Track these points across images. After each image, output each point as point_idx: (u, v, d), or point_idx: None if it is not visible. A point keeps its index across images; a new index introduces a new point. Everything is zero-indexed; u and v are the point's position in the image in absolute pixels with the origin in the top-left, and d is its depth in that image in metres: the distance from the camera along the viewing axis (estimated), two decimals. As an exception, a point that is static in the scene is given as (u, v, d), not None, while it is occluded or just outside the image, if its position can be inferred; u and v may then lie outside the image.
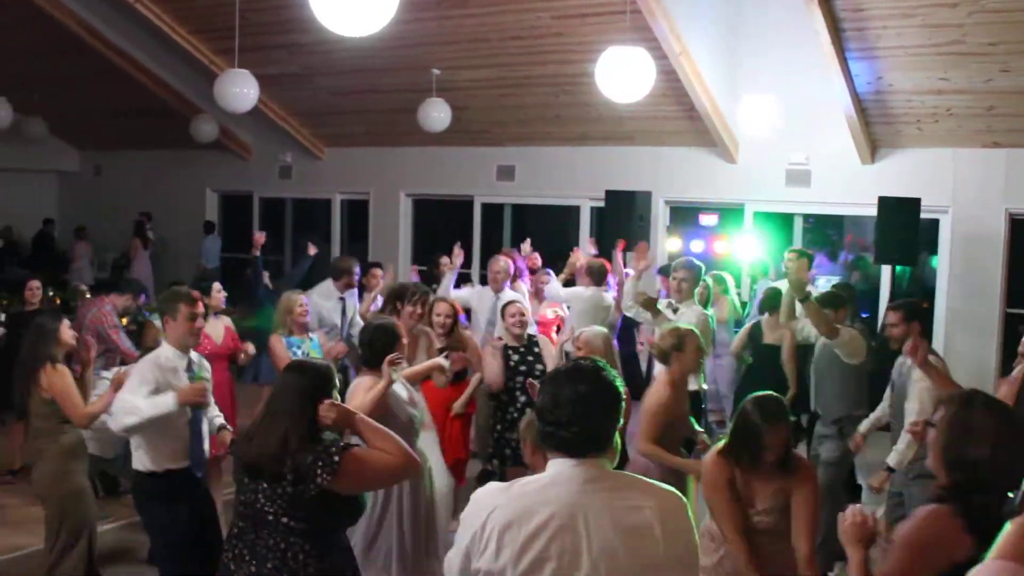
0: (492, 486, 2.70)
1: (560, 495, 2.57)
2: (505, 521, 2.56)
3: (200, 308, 5.19)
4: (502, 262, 8.75)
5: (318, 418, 3.68)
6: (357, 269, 8.96)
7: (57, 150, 17.46)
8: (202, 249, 15.85)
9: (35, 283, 8.80)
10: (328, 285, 8.82)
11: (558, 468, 2.63)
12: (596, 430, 2.63)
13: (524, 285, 9.19)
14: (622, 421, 2.73)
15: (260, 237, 9.84)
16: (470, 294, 8.94)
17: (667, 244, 11.83)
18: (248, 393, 8.05)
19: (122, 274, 13.96)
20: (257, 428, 3.71)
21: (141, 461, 4.92)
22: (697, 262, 7.50)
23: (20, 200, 17.81)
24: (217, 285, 7.47)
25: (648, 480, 2.72)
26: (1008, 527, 1.78)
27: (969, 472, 2.64)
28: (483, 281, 9.33)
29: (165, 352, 5.07)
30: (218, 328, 7.23)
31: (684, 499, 2.70)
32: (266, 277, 9.65)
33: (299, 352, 7.11)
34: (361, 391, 5.06)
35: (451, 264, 8.90)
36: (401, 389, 5.34)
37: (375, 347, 5.20)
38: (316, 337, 7.38)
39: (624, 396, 2.72)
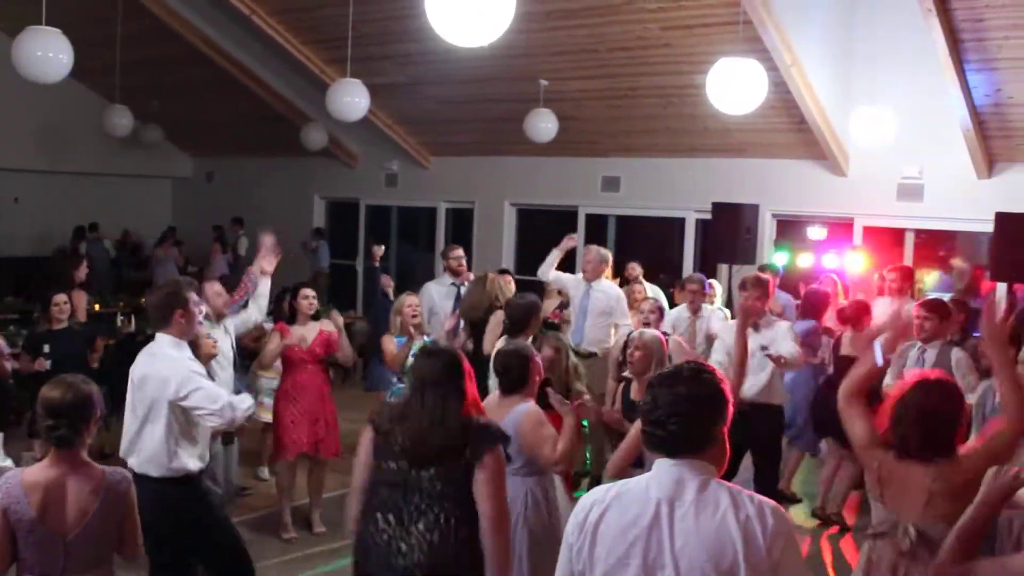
0: (597, 489, 2.84)
1: (651, 494, 2.68)
2: (599, 516, 2.71)
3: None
4: (594, 251, 8.85)
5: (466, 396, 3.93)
6: (459, 253, 9.16)
7: (172, 157, 18.00)
8: (317, 255, 16.17)
9: (61, 297, 8.00)
10: (443, 275, 9.15)
11: (656, 467, 2.73)
12: (692, 430, 2.69)
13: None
14: (723, 423, 2.76)
15: (379, 250, 10.06)
16: (569, 279, 9.03)
17: (774, 257, 11.67)
18: (356, 399, 8.20)
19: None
20: (408, 413, 3.92)
21: (186, 461, 4.75)
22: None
23: (136, 205, 18.43)
24: (305, 291, 7.43)
25: (744, 490, 2.72)
26: None
27: None
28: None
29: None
30: (311, 332, 7.32)
31: (780, 509, 2.69)
32: (386, 285, 9.78)
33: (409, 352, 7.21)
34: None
35: (563, 245, 9.15)
36: None
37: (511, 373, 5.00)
38: (429, 339, 7.36)
39: (726, 398, 2.76)
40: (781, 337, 7.01)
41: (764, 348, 6.90)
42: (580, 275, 9.00)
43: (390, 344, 7.37)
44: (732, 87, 8.25)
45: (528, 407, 4.91)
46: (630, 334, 6.70)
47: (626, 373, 6.25)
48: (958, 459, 3.79)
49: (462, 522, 3.79)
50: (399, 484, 3.84)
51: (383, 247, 10.31)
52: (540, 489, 4.95)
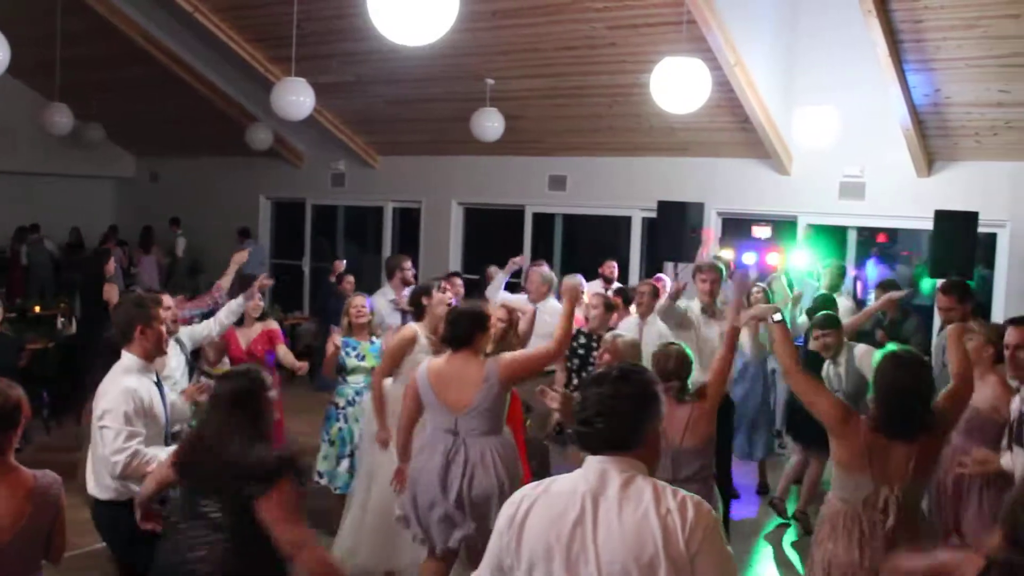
0: (529, 484, 2.92)
1: (578, 489, 2.74)
2: (527, 510, 2.78)
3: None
4: (537, 273, 8.85)
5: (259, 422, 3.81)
6: (408, 265, 9.13)
7: (114, 156, 17.77)
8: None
9: None
10: (385, 287, 9.03)
11: (584, 464, 2.80)
12: (617, 428, 2.76)
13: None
14: (654, 421, 2.83)
15: (340, 265, 10.02)
16: (518, 302, 8.99)
17: (720, 255, 11.76)
18: (303, 399, 8.17)
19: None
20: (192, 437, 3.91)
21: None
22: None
23: (78, 206, 18.16)
24: (167, 301, 7.32)
25: (669, 486, 2.78)
26: None
27: None
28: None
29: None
30: (254, 333, 7.43)
31: (704, 503, 2.74)
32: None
33: (353, 353, 7.21)
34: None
35: (507, 268, 9.26)
36: None
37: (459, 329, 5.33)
38: (379, 342, 7.38)
39: (655, 396, 2.84)
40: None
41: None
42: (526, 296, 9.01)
43: (331, 345, 7.36)
44: (676, 86, 8.33)
45: (497, 358, 5.27)
46: (603, 337, 6.73)
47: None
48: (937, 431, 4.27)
49: (234, 555, 3.64)
50: (185, 506, 3.81)
51: (343, 262, 10.26)
52: (501, 445, 5.22)
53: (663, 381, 5.12)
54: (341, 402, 7.26)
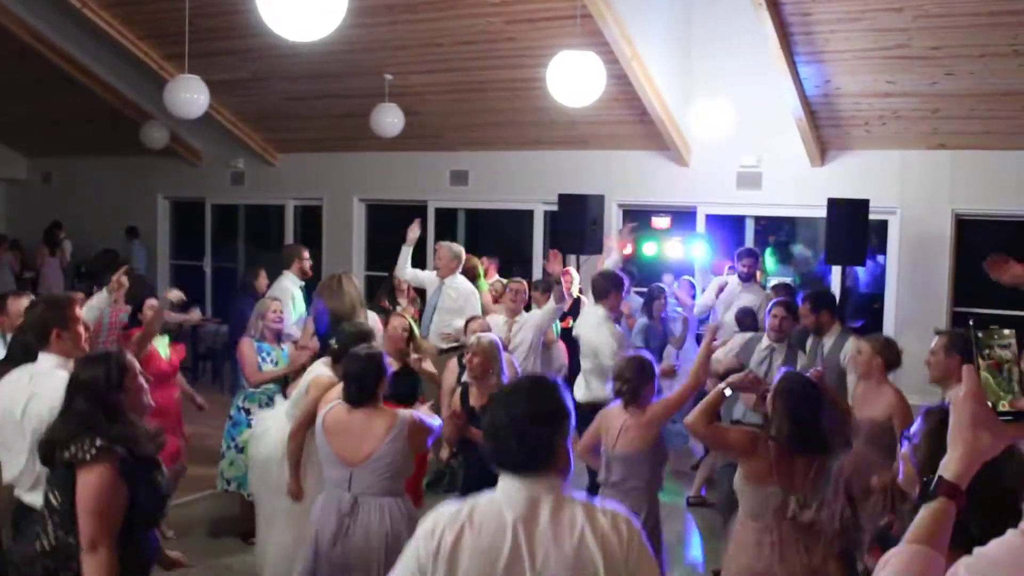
0: (447, 505, 2.77)
1: (504, 520, 2.64)
2: (454, 540, 2.63)
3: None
4: (445, 248, 8.99)
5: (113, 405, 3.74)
6: (306, 254, 9.08)
7: (4, 158, 17.23)
8: (130, 256, 15.70)
9: None
10: (288, 279, 8.92)
11: (503, 487, 2.70)
12: (537, 448, 2.69)
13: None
14: (566, 435, 2.78)
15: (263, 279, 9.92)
16: (426, 276, 9.04)
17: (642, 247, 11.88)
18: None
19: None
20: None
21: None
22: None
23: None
24: (151, 302, 7.26)
25: (592, 502, 2.76)
26: (923, 511, 1.81)
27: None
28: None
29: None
30: (165, 345, 7.16)
31: (630, 518, 2.74)
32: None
33: (268, 359, 7.08)
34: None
35: (409, 239, 9.28)
36: None
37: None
38: (288, 347, 7.27)
39: (567, 411, 2.78)
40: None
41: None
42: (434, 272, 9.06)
43: (248, 348, 7.14)
44: (571, 80, 8.38)
45: (408, 415, 4.91)
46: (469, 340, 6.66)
47: (465, 377, 6.29)
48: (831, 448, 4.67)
49: (65, 538, 3.62)
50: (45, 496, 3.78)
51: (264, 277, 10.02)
52: (401, 503, 4.89)
53: (617, 381, 5.41)
54: (253, 408, 7.11)
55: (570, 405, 2.81)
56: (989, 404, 1.79)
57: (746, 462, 4.60)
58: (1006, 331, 1.81)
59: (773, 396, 4.63)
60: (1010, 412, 1.77)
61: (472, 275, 9.37)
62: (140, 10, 11.15)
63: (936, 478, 1.83)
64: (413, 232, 9.29)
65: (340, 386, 5.31)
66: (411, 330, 6.94)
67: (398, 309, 8.57)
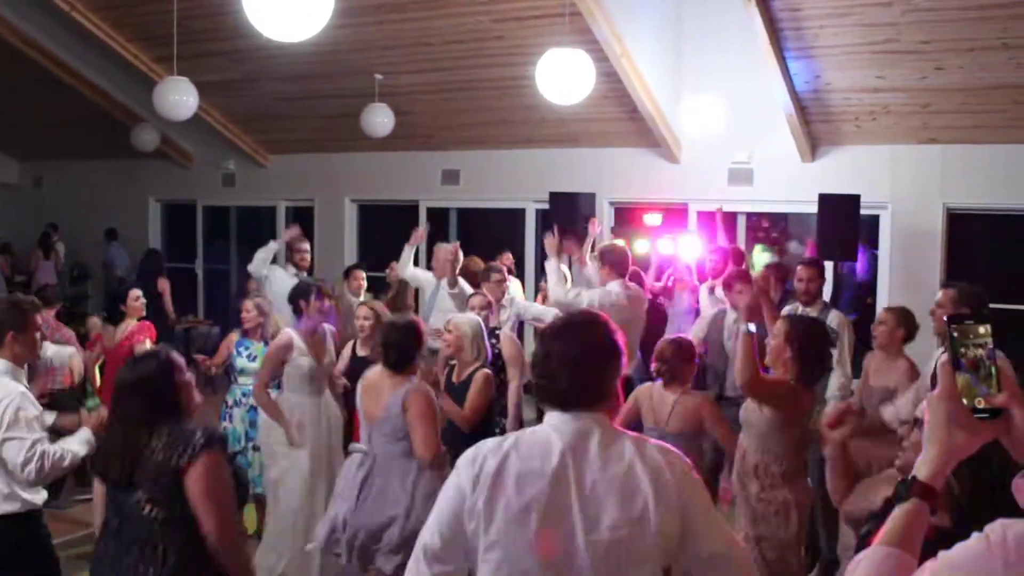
0: (486, 441, 2.73)
1: (551, 446, 2.61)
2: (497, 465, 2.61)
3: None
4: (443, 249, 8.87)
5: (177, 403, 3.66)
6: (306, 247, 9.24)
7: (-6, 162, 17.20)
8: (110, 258, 15.73)
9: None
10: (282, 272, 9.11)
11: (551, 420, 2.67)
12: (588, 384, 2.66)
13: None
14: (618, 373, 2.75)
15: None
16: (424, 277, 9.08)
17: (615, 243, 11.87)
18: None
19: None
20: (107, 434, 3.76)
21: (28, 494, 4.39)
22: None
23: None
24: (135, 292, 7.49)
25: (643, 437, 2.74)
26: (895, 512, 1.80)
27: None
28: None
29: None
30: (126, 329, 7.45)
31: (682, 455, 2.72)
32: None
33: (245, 354, 7.20)
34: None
35: (412, 241, 9.38)
36: None
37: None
38: (264, 347, 7.32)
39: (620, 348, 2.73)
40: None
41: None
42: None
43: (224, 344, 7.42)
44: (560, 78, 8.37)
45: (417, 384, 5.06)
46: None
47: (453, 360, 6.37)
48: None
49: (180, 550, 3.49)
50: (116, 509, 3.62)
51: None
52: (410, 468, 4.99)
53: (657, 362, 5.58)
54: (229, 401, 7.27)
55: (622, 345, 2.76)
56: (964, 403, 1.78)
57: (796, 415, 4.78)
58: (981, 328, 1.80)
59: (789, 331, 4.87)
60: (986, 410, 1.76)
61: (473, 277, 9.27)
62: (129, 12, 11.12)
63: (910, 478, 1.81)
64: (417, 236, 9.36)
65: (289, 331, 6.37)
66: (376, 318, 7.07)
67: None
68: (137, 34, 11.58)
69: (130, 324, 7.56)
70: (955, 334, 1.80)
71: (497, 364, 6.84)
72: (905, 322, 6.03)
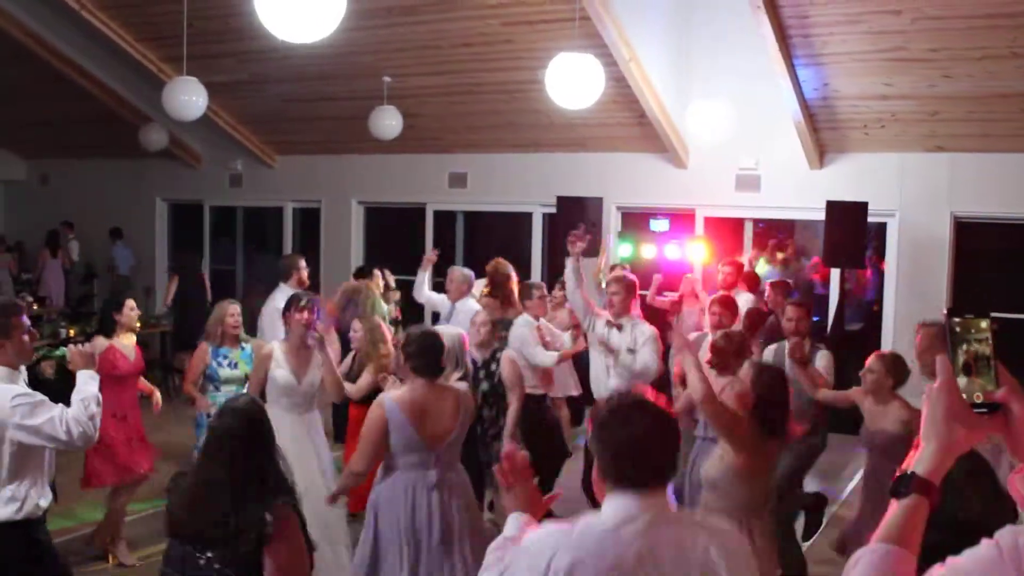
0: (550, 527, 2.70)
1: (627, 535, 2.56)
2: (571, 562, 2.53)
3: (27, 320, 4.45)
4: (456, 272, 8.77)
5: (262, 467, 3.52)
6: (303, 264, 8.98)
7: (1, 159, 17.21)
8: (113, 258, 15.78)
9: None
10: (282, 290, 8.79)
11: (622, 505, 2.63)
12: (659, 464, 2.67)
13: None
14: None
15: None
16: (439, 299, 8.99)
17: (618, 250, 11.87)
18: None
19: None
20: (184, 483, 3.56)
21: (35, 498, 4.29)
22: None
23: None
24: (130, 303, 7.12)
25: (708, 519, 2.79)
26: (894, 508, 1.79)
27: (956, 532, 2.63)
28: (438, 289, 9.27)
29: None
30: (130, 345, 7.01)
31: (744, 538, 2.78)
32: None
33: (225, 362, 7.00)
34: None
35: (424, 266, 9.07)
36: None
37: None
38: (249, 347, 7.16)
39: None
40: (643, 342, 6.99)
41: (631, 351, 6.95)
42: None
43: (197, 358, 7.10)
44: (570, 82, 8.38)
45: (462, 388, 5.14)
46: None
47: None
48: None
49: None
50: (178, 562, 3.49)
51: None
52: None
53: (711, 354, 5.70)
54: (213, 410, 7.05)
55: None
56: (963, 397, 1.77)
57: (749, 455, 4.61)
58: (983, 323, 1.79)
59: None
60: (985, 404, 1.75)
61: (503, 280, 9.14)
62: (138, 12, 11.15)
63: (909, 474, 1.79)
64: (429, 261, 9.24)
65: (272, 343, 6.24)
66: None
67: None
68: (146, 33, 11.61)
69: (118, 341, 6.95)
70: (956, 328, 1.79)
71: (493, 386, 6.80)
72: (895, 371, 5.99)
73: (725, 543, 2.65)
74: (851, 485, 8.48)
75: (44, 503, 4.35)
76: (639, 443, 2.64)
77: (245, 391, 6.84)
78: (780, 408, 4.70)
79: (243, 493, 3.41)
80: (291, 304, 6.31)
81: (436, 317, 9.54)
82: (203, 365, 6.99)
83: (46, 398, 4.23)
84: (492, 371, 6.84)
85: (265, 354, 6.25)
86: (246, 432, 3.53)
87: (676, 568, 2.56)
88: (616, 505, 2.63)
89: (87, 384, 4.30)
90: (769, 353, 7.09)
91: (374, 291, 9.51)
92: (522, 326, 7.80)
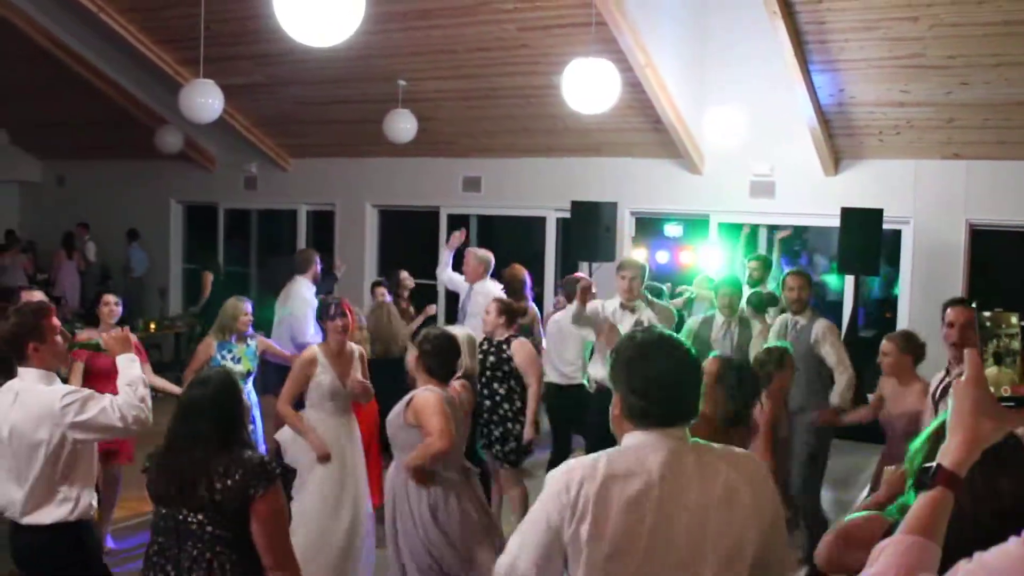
0: (574, 460, 2.71)
1: (651, 463, 2.60)
2: (598, 489, 2.56)
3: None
4: (472, 254, 8.93)
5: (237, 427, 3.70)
6: (318, 259, 9.21)
7: (18, 160, 17.29)
8: (128, 259, 15.85)
9: None
10: (304, 285, 9.03)
11: (644, 439, 2.65)
12: (684, 402, 2.68)
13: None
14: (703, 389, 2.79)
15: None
16: (459, 280, 9.13)
17: (633, 254, 11.87)
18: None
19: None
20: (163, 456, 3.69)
21: (87, 498, 4.25)
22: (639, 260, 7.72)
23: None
24: (112, 298, 7.18)
25: (729, 448, 2.78)
26: (919, 500, 1.79)
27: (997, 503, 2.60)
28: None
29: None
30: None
31: (765, 465, 2.79)
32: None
33: (229, 356, 7.14)
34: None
35: (451, 244, 9.39)
36: None
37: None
38: (254, 343, 7.36)
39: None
40: (650, 316, 7.19)
41: (639, 324, 7.02)
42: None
43: (203, 349, 7.25)
44: (586, 87, 8.40)
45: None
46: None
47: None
48: None
49: (239, 568, 3.56)
50: (171, 531, 3.60)
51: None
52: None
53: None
54: None
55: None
56: (991, 390, 1.77)
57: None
58: (1013, 318, 1.79)
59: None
60: (1013, 398, 1.75)
61: (519, 285, 9.22)
62: (156, 15, 11.20)
63: (935, 466, 1.79)
64: (456, 240, 9.39)
65: (314, 348, 6.33)
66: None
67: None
68: (163, 36, 11.66)
69: (96, 332, 6.80)
70: (986, 323, 1.79)
71: (503, 369, 6.96)
72: (909, 346, 5.96)
73: (745, 467, 2.69)
74: (866, 491, 8.46)
75: (95, 503, 4.33)
76: (665, 381, 2.65)
77: (249, 387, 7.14)
78: (747, 396, 4.53)
79: (219, 454, 3.56)
80: (324, 312, 6.50)
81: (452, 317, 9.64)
82: (207, 358, 7.13)
83: (93, 390, 4.22)
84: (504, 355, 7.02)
85: (308, 359, 6.28)
86: (216, 397, 3.67)
87: (701, 491, 2.60)
88: (639, 439, 2.66)
89: (130, 368, 4.29)
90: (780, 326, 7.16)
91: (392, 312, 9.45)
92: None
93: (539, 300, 9.55)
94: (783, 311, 7.54)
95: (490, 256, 8.96)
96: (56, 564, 4.15)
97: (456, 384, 5.39)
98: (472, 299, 8.73)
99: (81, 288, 16.02)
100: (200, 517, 3.53)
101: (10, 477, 4.13)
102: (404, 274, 10.29)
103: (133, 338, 4.66)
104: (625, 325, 7.13)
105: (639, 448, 2.64)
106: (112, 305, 7.10)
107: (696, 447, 2.68)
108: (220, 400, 3.69)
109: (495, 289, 8.76)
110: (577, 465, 2.65)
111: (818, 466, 6.87)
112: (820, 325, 6.99)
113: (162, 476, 3.64)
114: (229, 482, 3.50)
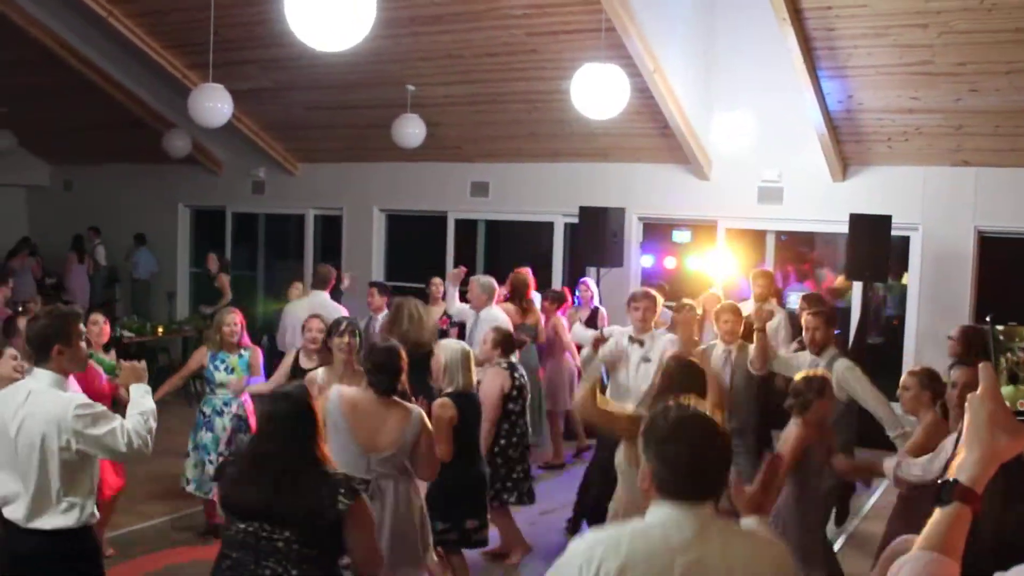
0: (596, 532, 2.68)
1: (676, 541, 2.54)
2: (620, 566, 2.51)
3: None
4: (476, 283, 8.94)
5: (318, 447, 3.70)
6: (335, 274, 9.36)
7: (27, 164, 17.31)
8: (135, 263, 15.88)
9: None
10: (324, 298, 9.14)
11: (671, 514, 2.60)
12: (711, 479, 2.64)
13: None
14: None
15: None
16: (468, 310, 9.11)
17: (640, 260, 11.88)
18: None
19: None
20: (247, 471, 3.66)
21: (89, 506, 4.22)
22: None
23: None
24: (101, 317, 7.15)
25: (753, 530, 2.83)
26: (936, 516, 1.77)
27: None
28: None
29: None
30: (108, 362, 6.93)
31: (788, 550, 2.77)
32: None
33: (222, 366, 7.25)
34: None
35: (453, 280, 9.42)
36: None
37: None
38: (247, 353, 7.40)
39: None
40: (661, 347, 7.08)
41: (647, 360, 7.00)
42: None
43: (194, 358, 7.42)
44: (595, 92, 8.40)
45: (419, 412, 5.00)
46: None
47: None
48: None
49: None
50: (250, 547, 3.57)
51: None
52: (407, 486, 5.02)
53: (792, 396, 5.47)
54: (207, 411, 7.29)
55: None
56: (1007, 405, 1.75)
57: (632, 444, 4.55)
58: None
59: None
60: None
61: (524, 289, 9.36)
62: (165, 20, 11.22)
63: (952, 481, 1.78)
64: (456, 277, 9.43)
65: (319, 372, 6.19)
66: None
67: None
68: (172, 41, 11.67)
69: (96, 355, 6.76)
70: (1000, 336, 1.78)
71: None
72: (931, 385, 5.88)
73: (771, 554, 2.68)
74: (878, 492, 8.46)
75: (96, 511, 4.31)
76: (696, 458, 2.61)
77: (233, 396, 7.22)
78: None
79: (306, 470, 3.59)
80: (332, 330, 6.47)
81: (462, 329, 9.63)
82: (197, 366, 7.35)
83: (106, 408, 4.23)
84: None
85: (310, 383, 6.00)
86: (297, 414, 3.69)
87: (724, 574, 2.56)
88: (666, 514, 2.61)
89: (144, 398, 4.33)
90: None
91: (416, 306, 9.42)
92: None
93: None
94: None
95: (493, 282, 9.00)
96: (56, 571, 4.15)
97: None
98: (479, 326, 8.72)
99: (90, 291, 16.05)
100: (287, 534, 3.51)
101: (13, 476, 4.12)
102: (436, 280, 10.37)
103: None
104: (633, 357, 7.15)
105: (665, 526, 2.59)
106: (101, 324, 7.11)
107: (722, 529, 2.64)
108: (303, 415, 3.71)
109: (500, 316, 8.79)
110: (600, 542, 2.60)
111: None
112: (839, 369, 6.76)
113: (247, 490, 3.59)
114: (322, 498, 3.52)
